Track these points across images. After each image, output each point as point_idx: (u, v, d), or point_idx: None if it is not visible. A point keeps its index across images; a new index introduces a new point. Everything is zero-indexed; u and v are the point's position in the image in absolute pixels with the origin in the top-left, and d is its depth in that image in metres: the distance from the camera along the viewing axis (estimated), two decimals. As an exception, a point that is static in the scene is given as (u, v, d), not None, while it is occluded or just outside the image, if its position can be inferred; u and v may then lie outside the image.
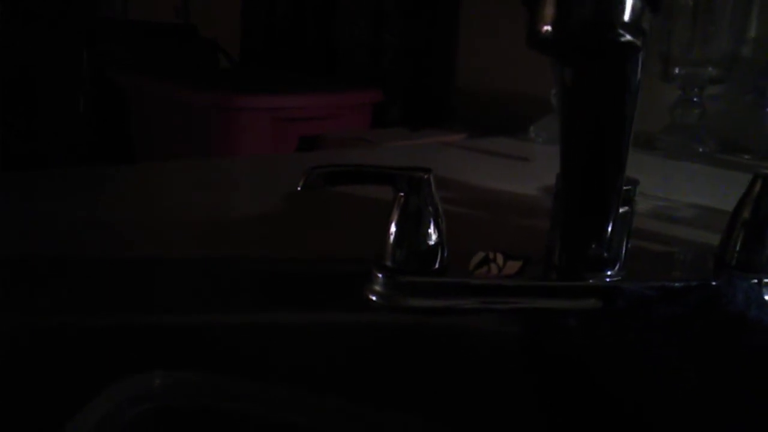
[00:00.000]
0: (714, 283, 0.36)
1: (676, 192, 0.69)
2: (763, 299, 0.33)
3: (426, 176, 0.36)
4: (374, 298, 0.37)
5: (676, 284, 0.37)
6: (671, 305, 0.34)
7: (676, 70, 0.97)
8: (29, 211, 0.52)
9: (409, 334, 0.36)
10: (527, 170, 0.81)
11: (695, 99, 0.94)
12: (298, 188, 0.36)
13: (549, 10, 0.19)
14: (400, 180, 0.36)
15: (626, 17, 0.19)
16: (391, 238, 0.37)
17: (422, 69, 1.38)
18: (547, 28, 0.19)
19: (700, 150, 0.92)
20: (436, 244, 0.36)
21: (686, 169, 0.85)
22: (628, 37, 0.19)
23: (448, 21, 1.36)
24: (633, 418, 0.30)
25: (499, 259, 0.39)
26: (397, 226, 0.36)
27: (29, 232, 0.47)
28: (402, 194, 0.36)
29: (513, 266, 0.37)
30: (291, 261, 0.42)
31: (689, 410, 0.26)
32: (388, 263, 0.37)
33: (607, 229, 0.35)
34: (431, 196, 0.36)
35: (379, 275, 0.37)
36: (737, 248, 0.39)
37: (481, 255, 0.39)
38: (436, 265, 0.36)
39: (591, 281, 0.37)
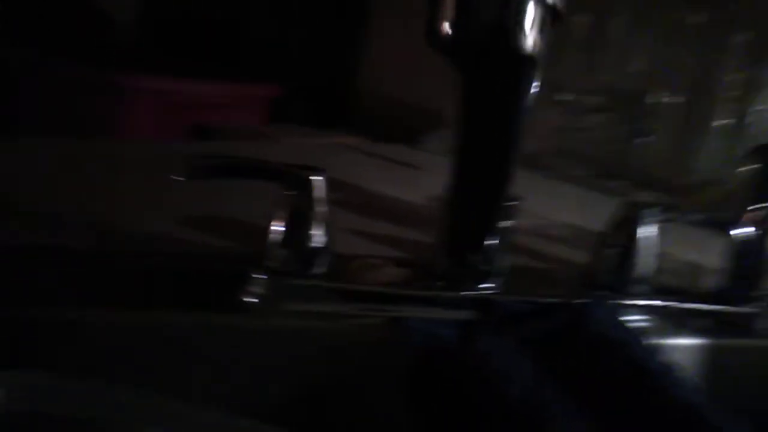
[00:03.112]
0: (581, 302, 0.38)
1: (554, 211, 0.72)
2: (625, 321, 0.36)
3: (316, 176, 0.35)
4: (253, 301, 0.35)
5: (547, 301, 0.39)
6: (541, 321, 0.36)
7: (562, 97, 1.03)
8: None
9: (287, 338, 0.35)
10: (418, 178, 0.82)
11: (578, 125, 1.00)
12: (181, 178, 0.34)
13: (450, 10, 0.19)
14: (290, 178, 0.35)
15: (527, 25, 0.19)
16: (275, 237, 0.36)
17: (326, 67, 1.37)
18: (447, 26, 0.19)
19: (579, 173, 0.98)
20: (322, 247, 0.36)
21: (565, 190, 0.90)
22: (527, 48, 0.20)
23: (356, 23, 1.36)
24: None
25: (383, 265, 0.39)
26: (282, 225, 0.35)
27: None
28: (290, 193, 0.35)
29: (395, 273, 0.38)
30: (163, 256, 0.40)
31: (554, 426, 0.27)
32: (270, 264, 0.36)
33: (488, 243, 0.36)
34: (320, 198, 0.35)
35: (260, 276, 0.36)
36: (602, 270, 0.41)
37: (365, 261, 0.39)
38: (321, 269, 0.36)
39: (469, 293, 0.37)
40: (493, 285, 0.38)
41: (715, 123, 0.90)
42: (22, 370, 0.24)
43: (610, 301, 0.37)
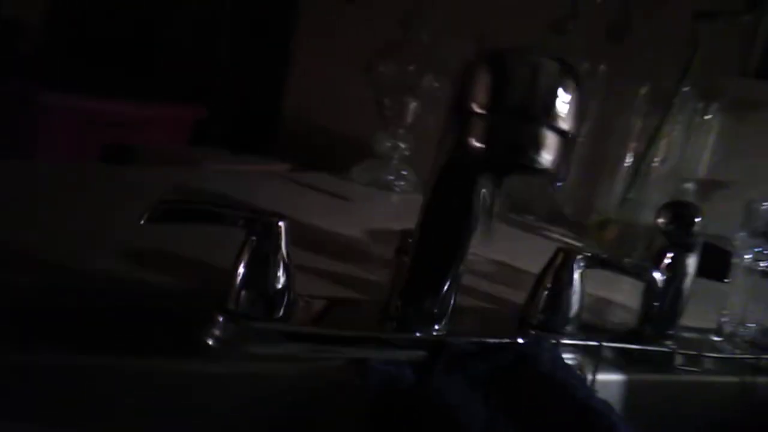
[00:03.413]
0: (522, 342, 0.41)
1: (478, 247, 0.76)
2: (565, 361, 0.39)
3: (280, 223, 0.36)
4: (214, 344, 0.36)
5: (491, 341, 0.41)
6: (488, 360, 0.38)
7: (483, 135, 1.09)
8: None
9: (248, 381, 0.35)
10: (351, 211, 0.84)
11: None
12: (141, 222, 0.34)
13: (479, 132, 0.21)
14: (254, 224, 0.36)
15: (543, 147, 0.22)
16: (238, 280, 0.36)
17: (250, 91, 1.37)
18: (476, 145, 0.22)
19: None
20: (283, 290, 0.37)
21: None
22: (543, 164, 0.22)
23: (282, 49, 1.36)
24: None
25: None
26: (245, 269, 0.36)
27: None
28: (254, 238, 0.36)
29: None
30: (119, 294, 0.39)
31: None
32: (231, 306, 0.36)
33: (443, 288, 0.38)
34: (283, 244, 0.36)
35: (221, 319, 0.36)
36: (539, 311, 0.45)
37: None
38: (281, 312, 0.37)
39: (421, 334, 0.39)
40: (443, 326, 0.40)
41: (617, 166, 0.98)
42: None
43: (548, 342, 0.40)
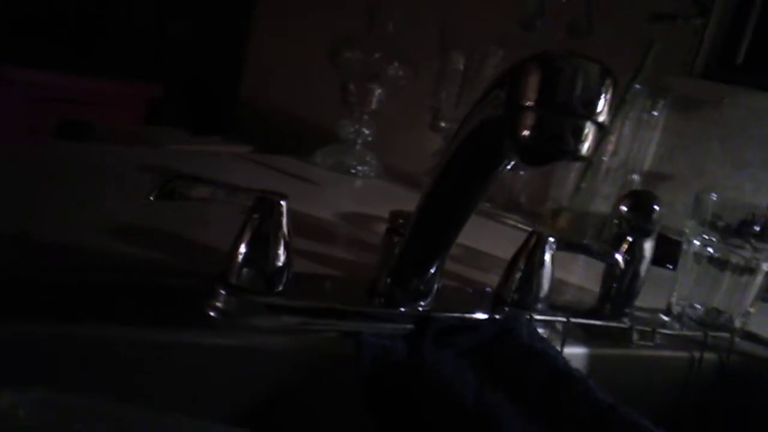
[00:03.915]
0: (499, 318, 0.44)
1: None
2: (540, 335, 0.42)
3: (282, 201, 0.38)
4: (216, 316, 0.37)
5: (472, 317, 0.44)
6: (471, 335, 0.41)
7: (443, 123, 1.12)
8: None
9: (248, 352, 0.36)
10: (318, 195, 0.85)
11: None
12: (151, 197, 0.35)
13: (528, 122, 0.24)
14: (257, 201, 0.37)
15: (583, 137, 0.25)
16: (240, 256, 0.37)
17: (207, 72, 1.35)
18: (525, 134, 0.24)
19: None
20: (283, 266, 0.38)
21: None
22: (582, 152, 0.25)
23: (240, 28, 1.35)
24: None
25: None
26: (247, 245, 0.37)
27: None
28: (256, 216, 0.37)
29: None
30: (124, 271, 0.40)
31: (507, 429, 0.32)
32: (233, 281, 0.37)
33: (433, 267, 0.41)
34: (284, 221, 0.38)
35: (222, 292, 0.37)
36: (513, 289, 0.48)
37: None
38: (281, 287, 0.38)
39: (408, 310, 0.42)
40: (428, 303, 0.43)
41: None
42: (39, 388, 0.24)
43: (524, 317, 0.44)
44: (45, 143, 0.86)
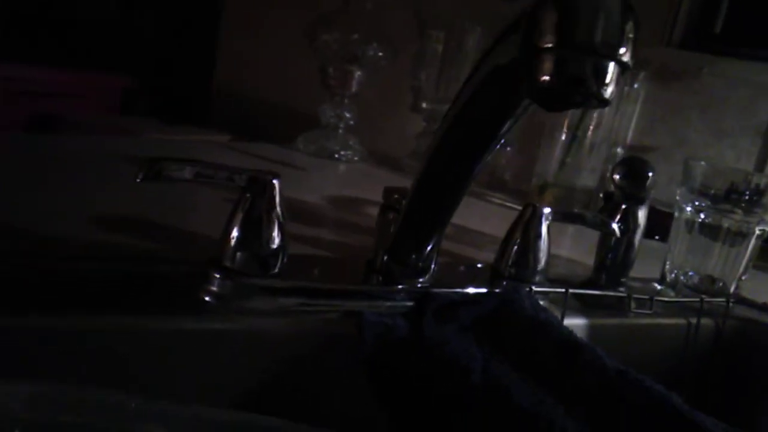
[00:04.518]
0: (499, 291, 0.43)
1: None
2: (542, 305, 0.42)
3: (274, 180, 0.36)
4: (211, 300, 0.36)
5: (472, 291, 0.44)
6: (472, 309, 0.40)
7: (424, 105, 1.11)
8: None
9: (245, 335, 0.35)
10: (307, 179, 0.84)
11: (434, 131, 1.08)
12: (137, 180, 0.34)
13: (548, 66, 0.23)
14: (248, 181, 0.36)
15: (606, 79, 0.24)
16: (233, 238, 0.36)
17: (180, 61, 1.32)
18: (545, 79, 0.23)
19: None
20: (278, 247, 0.37)
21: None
22: (603, 94, 0.24)
23: (211, 13, 1.32)
24: (445, 411, 0.35)
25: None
26: (240, 227, 0.36)
27: None
28: (248, 195, 0.36)
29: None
30: (114, 260, 0.38)
31: (503, 405, 0.32)
32: (227, 264, 0.36)
33: (431, 243, 0.40)
34: (277, 201, 0.37)
35: (217, 276, 0.36)
36: (510, 263, 0.47)
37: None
38: (276, 269, 0.37)
39: (407, 286, 0.41)
40: (427, 279, 0.42)
41: (554, 134, 1.02)
42: (32, 380, 0.23)
43: (524, 289, 0.43)
44: (17, 137, 0.83)
